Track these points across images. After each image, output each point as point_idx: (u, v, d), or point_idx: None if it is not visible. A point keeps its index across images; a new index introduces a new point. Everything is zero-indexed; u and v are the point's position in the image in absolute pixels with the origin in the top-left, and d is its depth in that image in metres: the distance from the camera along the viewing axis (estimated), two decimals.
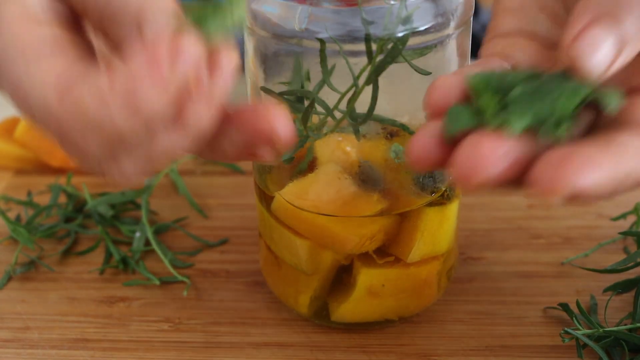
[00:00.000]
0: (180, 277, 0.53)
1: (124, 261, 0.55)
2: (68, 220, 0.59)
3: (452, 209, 0.48)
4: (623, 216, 0.56)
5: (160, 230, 0.58)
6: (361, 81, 0.41)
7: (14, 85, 0.36)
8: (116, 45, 0.35)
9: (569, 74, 0.34)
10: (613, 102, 0.34)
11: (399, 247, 0.46)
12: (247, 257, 0.55)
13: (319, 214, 0.44)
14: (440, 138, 0.34)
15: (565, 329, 0.45)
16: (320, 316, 0.49)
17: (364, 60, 0.40)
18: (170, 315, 0.50)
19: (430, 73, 0.40)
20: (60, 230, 0.58)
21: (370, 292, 0.47)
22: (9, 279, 0.54)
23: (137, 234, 0.56)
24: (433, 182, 0.45)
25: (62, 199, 0.62)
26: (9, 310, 0.51)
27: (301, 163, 0.44)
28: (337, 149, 0.44)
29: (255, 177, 0.49)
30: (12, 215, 0.60)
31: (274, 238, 0.48)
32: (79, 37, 0.37)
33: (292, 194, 0.45)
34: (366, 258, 0.46)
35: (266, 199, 0.47)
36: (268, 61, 0.43)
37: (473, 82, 0.35)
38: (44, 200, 0.62)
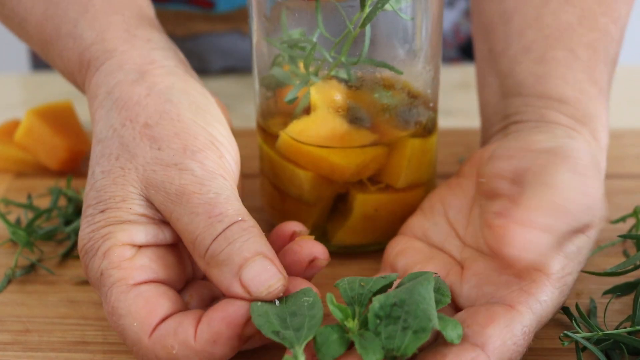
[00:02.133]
0: None
1: None
2: (68, 223, 0.59)
3: (433, 141, 0.55)
4: (622, 219, 0.56)
5: None
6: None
7: (110, 306, 0.44)
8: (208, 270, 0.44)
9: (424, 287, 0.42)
10: (454, 337, 0.41)
11: (389, 175, 0.53)
12: None
13: (320, 146, 0.51)
14: None
15: (565, 332, 0.45)
16: (320, 241, 0.53)
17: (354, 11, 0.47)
18: None
19: (413, 19, 0.49)
20: (60, 233, 0.58)
21: (365, 216, 0.53)
22: (9, 282, 0.54)
23: None
24: (414, 116, 0.52)
25: (62, 202, 0.62)
26: (9, 313, 0.51)
27: (301, 101, 0.51)
28: (331, 93, 0.51)
29: (259, 120, 0.55)
30: (12, 218, 0.60)
31: (278, 174, 0.54)
32: (175, 256, 0.47)
33: (296, 131, 0.51)
34: (361, 186, 0.53)
35: (270, 139, 0.53)
36: (269, 16, 0.50)
37: (340, 288, 0.44)
38: (44, 203, 0.62)
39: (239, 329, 0.42)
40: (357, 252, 0.55)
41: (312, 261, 0.46)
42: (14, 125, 0.67)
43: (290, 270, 0.46)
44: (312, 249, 0.46)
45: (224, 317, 0.42)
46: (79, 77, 0.54)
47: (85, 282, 0.54)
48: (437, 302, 0.43)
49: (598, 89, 0.53)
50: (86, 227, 0.46)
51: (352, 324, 0.41)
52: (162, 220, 0.46)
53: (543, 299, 0.43)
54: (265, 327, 0.41)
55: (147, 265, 0.44)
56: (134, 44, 0.51)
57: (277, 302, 0.43)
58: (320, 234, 0.55)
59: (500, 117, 0.54)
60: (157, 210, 0.46)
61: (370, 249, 0.55)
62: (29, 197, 0.61)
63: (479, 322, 0.42)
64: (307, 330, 0.41)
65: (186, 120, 0.47)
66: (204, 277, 0.49)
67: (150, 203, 0.46)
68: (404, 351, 0.40)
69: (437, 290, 0.44)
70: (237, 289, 0.42)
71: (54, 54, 0.55)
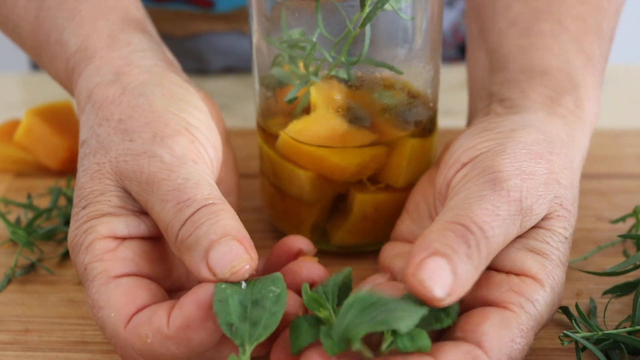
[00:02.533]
0: None
1: None
2: (68, 223, 0.59)
3: (432, 141, 0.55)
4: (622, 219, 0.56)
5: None
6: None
7: (91, 299, 0.44)
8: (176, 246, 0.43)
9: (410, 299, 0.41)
10: (409, 347, 0.39)
11: (389, 175, 0.53)
12: None
13: (320, 146, 0.51)
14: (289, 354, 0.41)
15: (565, 331, 0.45)
16: (320, 241, 0.54)
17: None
18: None
19: (413, 18, 0.49)
20: (60, 233, 0.58)
21: (365, 216, 0.53)
22: (9, 281, 0.54)
23: None
24: (414, 116, 0.52)
25: (62, 201, 0.62)
26: (9, 312, 0.51)
27: (301, 101, 0.50)
28: (331, 92, 0.51)
29: (259, 120, 0.55)
30: (12, 217, 0.60)
31: (278, 174, 0.54)
32: (160, 252, 0.46)
33: (296, 131, 0.51)
34: (361, 186, 0.53)
35: (270, 139, 0.53)
36: (269, 15, 0.50)
37: (303, 294, 0.42)
38: (43, 203, 0.62)
39: (210, 310, 0.41)
40: (357, 252, 0.55)
41: (311, 286, 0.45)
42: (13, 125, 0.67)
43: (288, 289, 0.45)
44: (311, 272, 0.46)
45: (194, 300, 0.41)
46: (67, 85, 0.54)
47: None
48: (437, 319, 0.42)
49: (586, 58, 0.53)
50: (72, 225, 0.46)
51: (325, 314, 0.41)
52: (142, 211, 0.46)
53: (535, 298, 0.43)
54: (222, 316, 0.40)
55: (130, 258, 0.44)
56: (114, 48, 0.52)
57: (243, 285, 0.42)
58: (320, 233, 0.55)
59: (485, 95, 0.54)
60: (136, 201, 0.46)
61: (370, 249, 0.55)
62: (29, 196, 0.61)
63: (472, 322, 0.42)
64: (263, 329, 0.40)
65: (158, 110, 0.48)
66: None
67: (128, 194, 0.46)
68: (351, 333, 0.38)
69: (444, 308, 0.42)
70: (205, 272, 0.42)
71: (45, 61, 0.56)
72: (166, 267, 0.47)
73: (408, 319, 0.39)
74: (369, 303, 0.40)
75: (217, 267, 0.42)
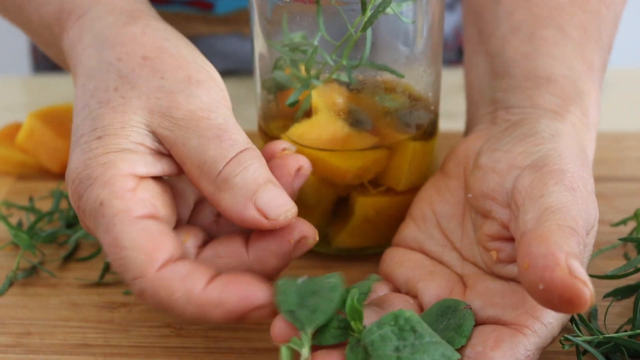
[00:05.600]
0: None
1: None
2: (70, 226, 0.59)
3: (433, 144, 0.55)
4: (623, 222, 0.56)
5: None
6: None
7: (111, 237, 0.42)
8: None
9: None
10: None
11: (390, 178, 0.53)
12: None
13: (321, 149, 0.51)
14: None
15: (565, 335, 0.45)
16: (321, 244, 0.54)
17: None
18: (171, 321, 0.51)
19: (414, 22, 0.49)
20: (61, 236, 0.58)
21: (366, 219, 0.53)
22: (11, 284, 0.54)
23: None
24: (415, 119, 0.52)
25: (64, 204, 0.62)
26: (11, 315, 0.52)
27: (303, 104, 0.51)
28: (333, 96, 0.51)
29: (260, 123, 0.55)
30: (13, 220, 0.60)
31: None
32: (170, 195, 0.46)
33: (297, 134, 0.52)
34: (362, 189, 0.53)
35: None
36: (270, 18, 0.50)
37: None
38: (45, 205, 0.62)
39: (247, 309, 0.41)
40: (358, 255, 0.55)
41: (298, 170, 0.47)
42: (15, 128, 0.68)
43: (280, 182, 0.46)
44: (297, 161, 0.48)
45: (239, 290, 0.41)
46: (56, 28, 0.52)
47: (87, 285, 0.54)
48: (452, 341, 0.42)
49: (588, 66, 0.53)
50: (81, 154, 0.44)
51: (359, 327, 0.41)
52: (159, 152, 0.45)
53: (549, 322, 0.42)
54: (283, 305, 0.41)
55: (148, 199, 0.44)
56: None
57: (299, 280, 0.43)
58: (322, 237, 0.54)
59: (488, 101, 0.54)
60: (156, 141, 0.45)
61: (371, 252, 0.55)
62: (31, 199, 0.61)
63: (484, 343, 0.41)
64: (321, 314, 0.41)
65: (186, 56, 0.48)
66: (189, 222, 0.49)
67: (150, 132, 0.45)
68: (371, 352, 0.39)
69: (459, 327, 0.43)
70: (252, 212, 0.43)
71: (30, 9, 0.54)
72: (174, 210, 0.46)
73: None
74: (408, 327, 0.41)
75: (269, 209, 0.43)
